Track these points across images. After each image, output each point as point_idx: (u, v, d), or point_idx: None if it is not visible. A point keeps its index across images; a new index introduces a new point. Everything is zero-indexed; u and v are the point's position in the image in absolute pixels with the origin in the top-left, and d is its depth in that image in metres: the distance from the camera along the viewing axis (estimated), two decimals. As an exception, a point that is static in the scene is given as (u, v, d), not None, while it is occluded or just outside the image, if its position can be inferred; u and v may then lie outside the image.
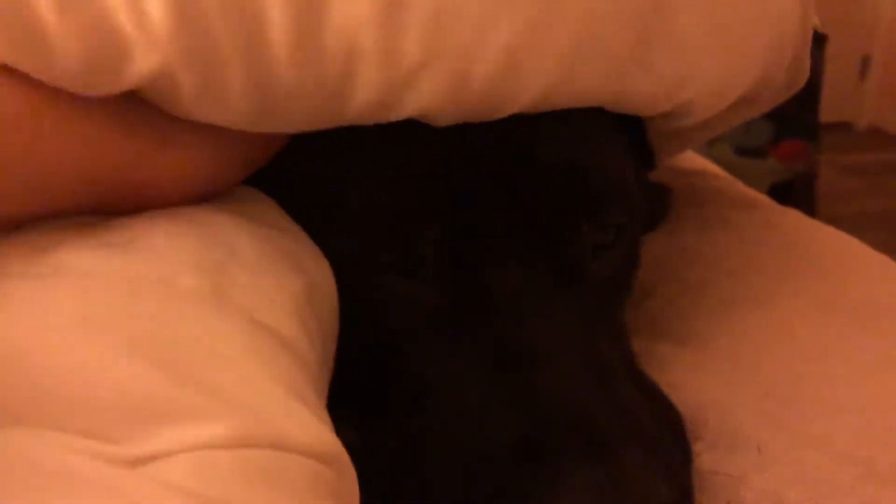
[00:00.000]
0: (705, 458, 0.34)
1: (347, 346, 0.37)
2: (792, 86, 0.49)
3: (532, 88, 0.32)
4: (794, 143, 1.96)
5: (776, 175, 1.95)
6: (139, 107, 0.29)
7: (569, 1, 0.31)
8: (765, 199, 0.66)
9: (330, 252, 0.36)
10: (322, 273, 0.33)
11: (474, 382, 0.31)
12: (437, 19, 0.29)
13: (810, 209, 2.16)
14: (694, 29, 0.36)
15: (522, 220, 0.34)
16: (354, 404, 0.37)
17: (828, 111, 2.63)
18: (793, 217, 0.60)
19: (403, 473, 0.32)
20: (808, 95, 2.03)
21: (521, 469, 0.28)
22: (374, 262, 0.34)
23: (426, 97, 0.30)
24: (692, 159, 0.75)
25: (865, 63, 3.45)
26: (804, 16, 0.44)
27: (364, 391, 0.36)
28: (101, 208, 0.30)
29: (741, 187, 0.68)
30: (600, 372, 0.32)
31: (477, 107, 0.32)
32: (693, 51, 0.36)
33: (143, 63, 0.27)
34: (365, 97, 0.30)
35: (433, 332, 0.34)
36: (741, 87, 0.42)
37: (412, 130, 0.33)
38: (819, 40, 2.06)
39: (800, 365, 0.40)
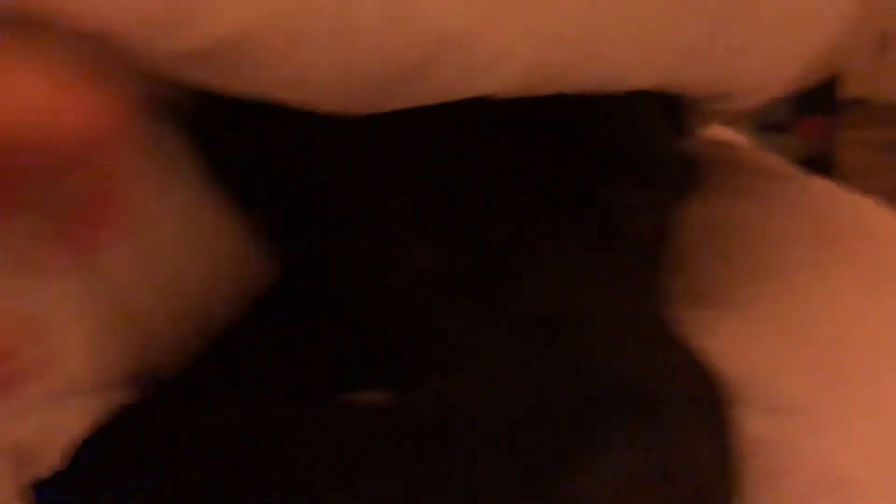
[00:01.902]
0: (750, 424, 0.33)
1: (375, 310, 0.37)
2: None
3: (601, 75, 0.32)
4: (814, 119, 1.94)
5: (796, 152, 1.92)
6: None
7: None
8: (795, 170, 0.65)
9: (352, 220, 0.35)
10: None
11: (509, 348, 0.31)
12: (524, 6, 0.28)
13: (831, 186, 2.13)
14: (754, 28, 0.36)
15: (559, 184, 0.33)
16: (387, 370, 0.36)
17: (847, 87, 2.60)
18: (826, 187, 0.59)
19: (436, 439, 0.31)
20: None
21: (558, 430, 0.27)
22: (393, 230, 0.34)
23: (499, 82, 0.30)
24: (720, 130, 0.74)
25: (885, 38, 3.40)
26: (850, 14, 0.44)
27: (395, 357, 0.36)
28: None
29: (771, 157, 0.67)
30: (642, 333, 0.31)
31: (542, 88, 0.31)
32: (748, 47, 0.36)
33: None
34: (439, 83, 0.29)
35: (458, 296, 0.33)
36: (784, 82, 0.42)
37: None
38: (839, 15, 2.03)
39: (845, 331, 0.39)
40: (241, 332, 0.37)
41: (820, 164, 2.04)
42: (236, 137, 0.38)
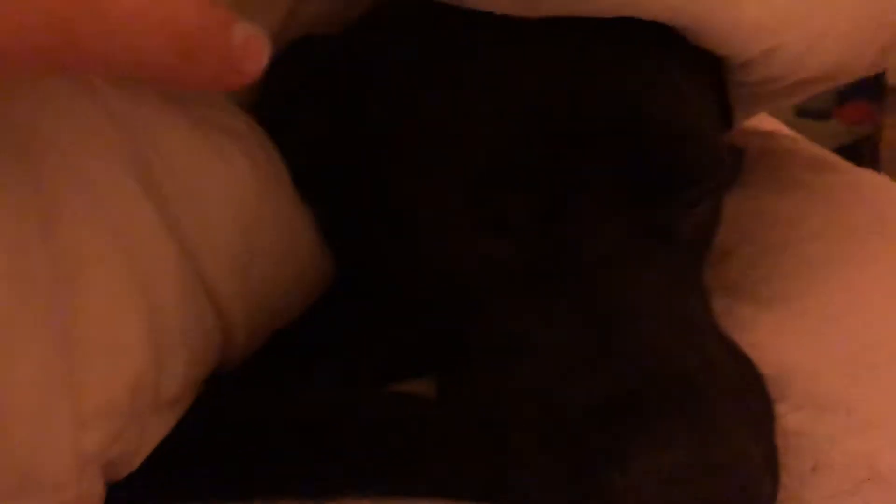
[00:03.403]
0: (791, 419, 0.34)
1: (426, 302, 0.37)
2: (876, 68, 0.48)
3: None
4: (858, 104, 1.89)
5: (839, 138, 1.88)
6: None
7: None
8: (840, 161, 0.64)
9: (410, 214, 0.36)
10: None
11: (562, 341, 0.31)
12: None
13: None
14: None
15: (621, 182, 0.33)
16: (433, 361, 0.37)
17: (893, 72, 2.52)
18: (871, 178, 0.58)
19: (485, 432, 0.32)
20: (875, 55, 1.95)
21: (611, 425, 0.28)
22: (458, 224, 0.34)
23: None
24: (762, 120, 0.73)
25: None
26: None
27: (444, 349, 0.37)
28: None
29: (815, 148, 0.66)
30: (691, 330, 0.31)
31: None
32: None
33: None
34: None
35: (518, 290, 0.33)
36: (830, 54, 0.41)
37: (515, 71, 0.33)
38: None
39: (887, 327, 0.39)
40: (301, 326, 0.39)
41: (863, 150, 2.00)
42: (305, 125, 0.39)
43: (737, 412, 0.28)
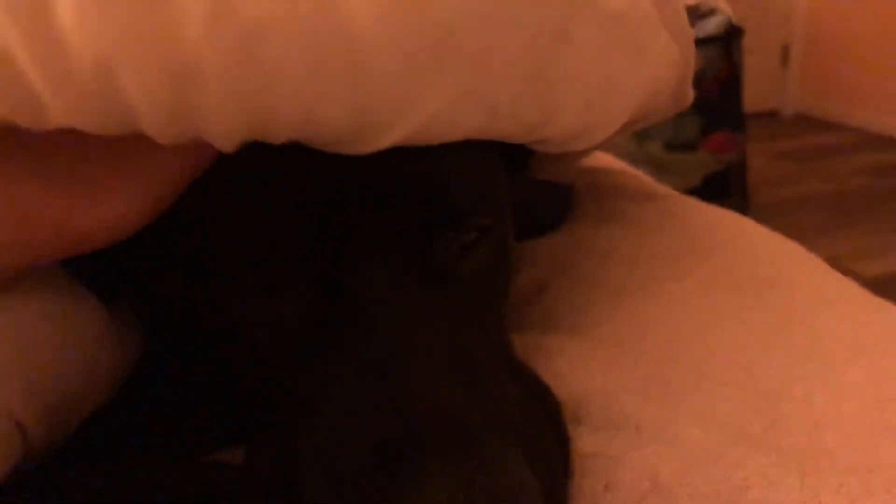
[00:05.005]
0: (586, 441, 0.35)
1: (225, 370, 0.38)
2: (677, 109, 0.51)
3: (407, 126, 0.32)
4: (722, 134, 2.02)
5: (708, 167, 2.01)
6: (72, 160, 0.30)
7: (462, 55, 0.31)
8: (665, 191, 0.68)
9: (186, 281, 0.36)
10: None
11: (343, 391, 0.32)
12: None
13: (743, 197, 2.23)
14: (567, 95, 0.37)
15: (388, 229, 0.34)
16: (241, 427, 0.37)
17: (754, 101, 2.71)
18: (690, 205, 0.62)
19: (280, 490, 0.32)
20: (732, 88, 2.10)
21: (387, 472, 0.29)
22: (246, 289, 0.35)
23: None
24: (598, 157, 0.76)
25: (785, 52, 3.58)
26: (685, 61, 0.46)
27: (249, 415, 0.37)
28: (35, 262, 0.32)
29: (642, 181, 0.69)
30: (468, 368, 0.33)
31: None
32: (560, 108, 0.37)
33: None
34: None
35: (303, 346, 0.34)
36: (606, 128, 0.43)
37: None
38: (737, 34, 2.13)
39: (682, 344, 0.41)
40: (113, 409, 0.38)
41: (732, 176, 2.13)
42: None
43: (511, 443, 0.30)
